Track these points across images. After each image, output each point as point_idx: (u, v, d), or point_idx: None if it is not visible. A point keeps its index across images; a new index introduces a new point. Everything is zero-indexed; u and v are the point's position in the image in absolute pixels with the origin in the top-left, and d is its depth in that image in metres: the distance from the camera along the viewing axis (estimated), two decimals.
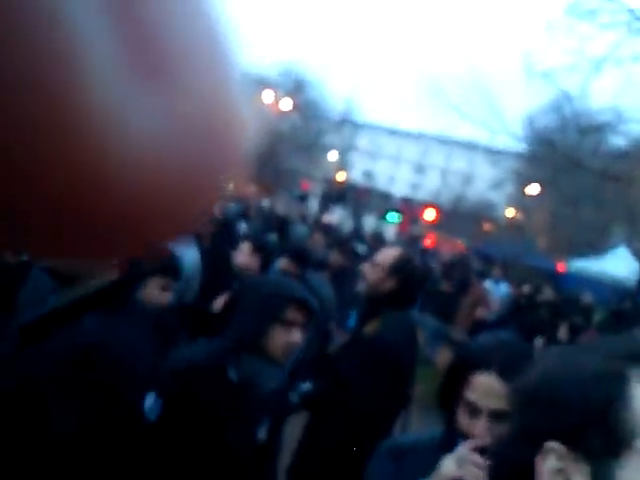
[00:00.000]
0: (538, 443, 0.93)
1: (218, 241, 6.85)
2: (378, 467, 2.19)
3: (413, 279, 4.00)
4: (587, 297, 13.92)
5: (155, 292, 3.34)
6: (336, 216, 26.16)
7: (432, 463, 2.03)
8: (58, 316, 1.91)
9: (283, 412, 2.80)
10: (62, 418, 1.89)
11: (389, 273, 3.94)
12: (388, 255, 4.05)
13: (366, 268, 4.18)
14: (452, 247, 27.09)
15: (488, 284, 13.30)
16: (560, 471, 0.91)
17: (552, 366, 0.99)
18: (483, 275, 14.70)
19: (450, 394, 2.03)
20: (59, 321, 1.90)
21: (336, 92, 47.47)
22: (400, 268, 3.95)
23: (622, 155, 28.44)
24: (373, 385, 3.69)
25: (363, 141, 59.77)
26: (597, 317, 13.27)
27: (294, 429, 3.84)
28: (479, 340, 2.30)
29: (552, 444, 0.92)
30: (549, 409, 0.93)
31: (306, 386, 3.62)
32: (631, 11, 12.74)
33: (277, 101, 34.14)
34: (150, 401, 2.26)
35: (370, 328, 3.95)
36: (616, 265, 22.15)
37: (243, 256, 5.20)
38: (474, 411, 1.95)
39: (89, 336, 1.97)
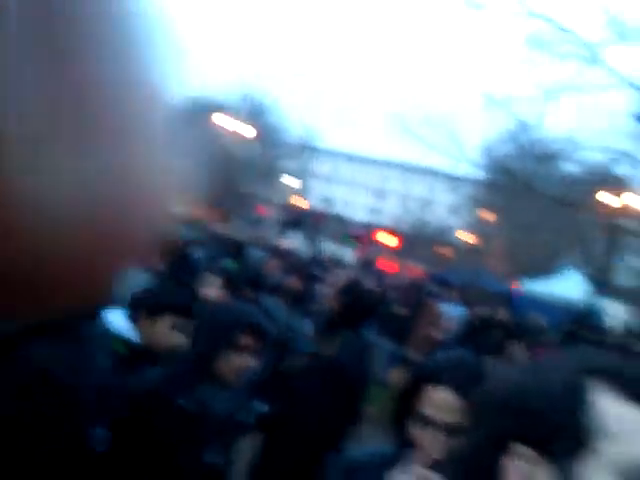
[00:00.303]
0: (506, 448, 1.00)
1: (175, 268, 6.80)
2: None
3: (362, 301, 4.08)
4: (539, 318, 14.16)
5: (165, 331, 3.07)
6: (294, 241, 26.17)
7: (385, 478, 2.03)
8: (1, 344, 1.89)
9: (236, 434, 2.81)
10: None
11: (338, 295, 4.03)
12: (338, 278, 4.17)
13: (322, 291, 4.26)
14: (410, 271, 27.23)
15: (444, 307, 13.35)
16: (527, 473, 0.99)
17: (522, 378, 1.07)
18: (439, 298, 14.80)
19: (404, 410, 2.04)
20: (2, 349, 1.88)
21: (296, 118, 47.54)
22: (349, 290, 4.04)
23: (575, 182, 28.95)
24: (332, 404, 3.72)
25: (323, 167, 59.88)
26: (549, 337, 13.46)
27: (247, 450, 3.83)
28: (435, 357, 2.32)
29: (521, 448, 0.99)
30: (520, 417, 1.01)
31: (260, 407, 3.63)
32: (586, 44, 13.03)
33: (235, 126, 34.12)
34: (100, 431, 2.24)
35: (328, 349, 3.99)
36: (567, 287, 22.45)
37: (214, 290, 5.11)
38: (428, 425, 1.96)
39: (35, 363, 1.95)
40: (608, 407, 0.98)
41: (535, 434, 0.99)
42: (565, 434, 0.97)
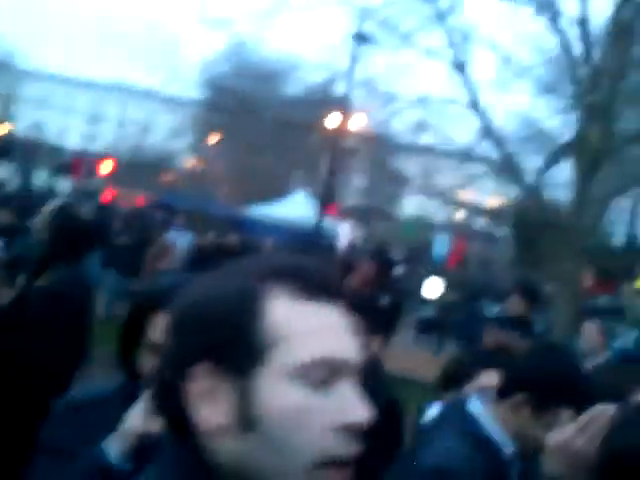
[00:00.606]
0: (187, 367, 0.97)
1: None
2: (55, 426, 2.13)
3: (77, 232, 3.99)
4: (268, 241, 14.75)
5: None
6: None
7: (116, 416, 1.99)
8: None
9: None
10: None
11: (48, 227, 3.92)
12: (47, 209, 4.04)
13: (34, 224, 4.11)
14: (132, 200, 26.81)
15: (171, 235, 13.41)
16: (209, 392, 0.96)
17: (196, 289, 1.04)
18: (166, 226, 14.80)
19: (132, 342, 2.02)
20: None
21: None
22: (59, 222, 3.94)
23: (298, 102, 29.97)
24: (52, 344, 3.62)
25: (29, 90, 56.53)
26: None
27: None
28: (158, 282, 2.31)
29: (199, 365, 0.96)
30: (194, 331, 0.98)
31: None
32: None
33: None
34: None
35: (41, 281, 3.88)
36: (296, 209, 23.37)
37: None
38: (158, 353, 1.93)
39: None
40: (282, 310, 0.97)
41: (210, 348, 0.97)
42: (239, 345, 0.96)
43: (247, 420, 0.95)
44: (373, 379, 3.09)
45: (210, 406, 0.96)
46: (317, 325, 0.97)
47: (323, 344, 0.96)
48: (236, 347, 0.95)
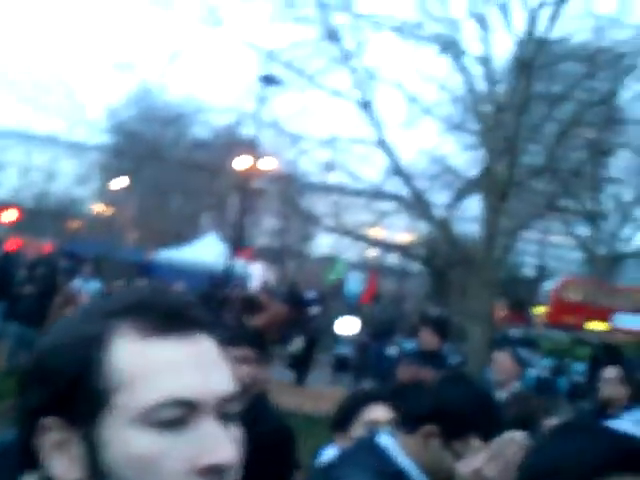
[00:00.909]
0: (36, 421, 0.91)
1: None
2: None
3: None
4: (179, 285, 14.69)
5: None
6: None
7: (14, 474, 1.91)
8: None
9: None
10: None
11: None
12: None
13: None
14: (36, 248, 26.16)
15: (77, 283, 13.19)
16: (60, 445, 0.91)
17: (45, 338, 0.97)
18: (72, 273, 14.53)
19: None
20: None
21: None
22: None
23: (205, 145, 29.95)
24: None
25: None
26: None
27: None
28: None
29: (46, 419, 0.91)
30: (39, 384, 0.92)
31: None
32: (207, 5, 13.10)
33: None
34: None
35: None
36: (206, 252, 23.27)
37: None
38: None
39: None
40: (126, 351, 0.91)
41: (55, 400, 0.91)
42: (82, 394, 0.90)
43: (98, 472, 0.89)
44: (257, 411, 3.06)
45: (63, 459, 0.91)
46: (165, 363, 0.91)
47: (172, 383, 0.89)
48: (79, 396, 0.90)
